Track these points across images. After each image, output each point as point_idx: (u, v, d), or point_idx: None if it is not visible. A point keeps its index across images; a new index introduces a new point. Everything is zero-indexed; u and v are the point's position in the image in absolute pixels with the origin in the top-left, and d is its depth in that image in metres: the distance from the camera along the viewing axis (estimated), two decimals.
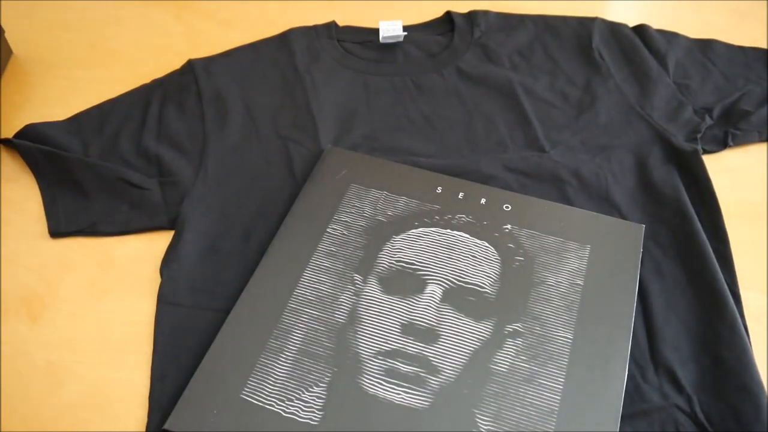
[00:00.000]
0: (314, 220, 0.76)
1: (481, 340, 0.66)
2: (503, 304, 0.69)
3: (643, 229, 0.75)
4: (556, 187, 0.81)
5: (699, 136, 0.84)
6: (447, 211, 0.76)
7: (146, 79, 0.93)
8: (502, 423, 0.61)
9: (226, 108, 0.88)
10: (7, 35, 0.98)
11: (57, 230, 0.80)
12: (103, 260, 0.78)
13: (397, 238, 0.74)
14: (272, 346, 0.66)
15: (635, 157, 0.83)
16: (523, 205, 0.77)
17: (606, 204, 0.79)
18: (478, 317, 0.68)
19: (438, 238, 0.74)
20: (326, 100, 0.89)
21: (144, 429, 0.65)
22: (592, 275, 0.71)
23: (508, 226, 0.75)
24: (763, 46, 0.96)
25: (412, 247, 0.73)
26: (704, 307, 0.70)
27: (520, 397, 0.63)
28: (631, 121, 0.86)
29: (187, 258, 0.75)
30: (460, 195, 0.78)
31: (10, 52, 0.99)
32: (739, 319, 0.69)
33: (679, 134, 0.84)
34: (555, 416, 0.61)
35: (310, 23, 0.98)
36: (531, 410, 0.62)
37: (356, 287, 0.70)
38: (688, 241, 0.75)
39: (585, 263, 0.72)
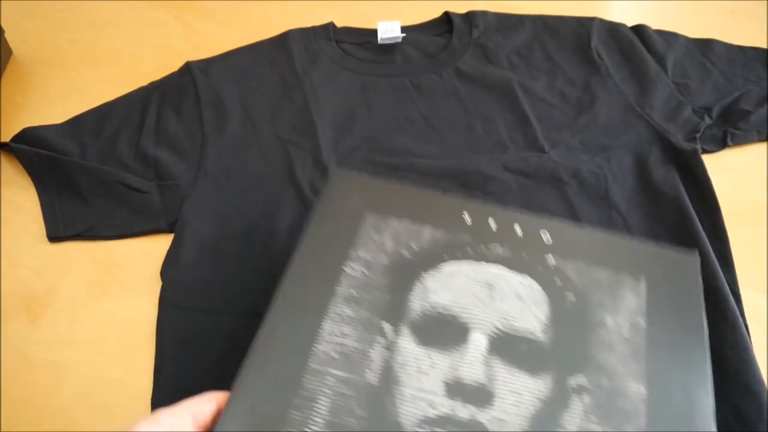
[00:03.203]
0: (328, 257, 0.64)
1: (542, 398, 0.56)
2: (561, 353, 0.59)
3: (698, 257, 0.65)
4: (556, 187, 0.81)
5: (698, 135, 0.84)
6: (479, 241, 0.66)
7: (146, 80, 0.92)
8: None
9: (225, 110, 0.88)
10: (7, 35, 0.98)
11: (55, 234, 0.80)
12: (103, 260, 0.79)
13: (427, 275, 0.63)
14: (294, 419, 0.54)
15: (635, 157, 0.83)
16: (563, 233, 0.67)
17: (605, 204, 0.79)
18: (534, 370, 0.57)
19: (473, 274, 0.63)
20: (325, 101, 0.89)
21: None
22: (654, 314, 0.61)
23: (551, 258, 0.65)
24: (763, 46, 0.96)
25: (445, 286, 0.62)
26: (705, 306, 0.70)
27: None
28: (631, 121, 0.86)
29: (187, 260, 0.76)
30: (491, 222, 0.67)
31: (10, 52, 0.99)
32: (740, 318, 0.69)
33: (678, 134, 0.84)
34: None
35: (309, 24, 0.98)
36: None
37: (387, 339, 0.59)
38: (687, 241, 0.75)
39: (644, 300, 0.62)
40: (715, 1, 1.06)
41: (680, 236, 0.76)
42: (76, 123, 0.88)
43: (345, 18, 0.99)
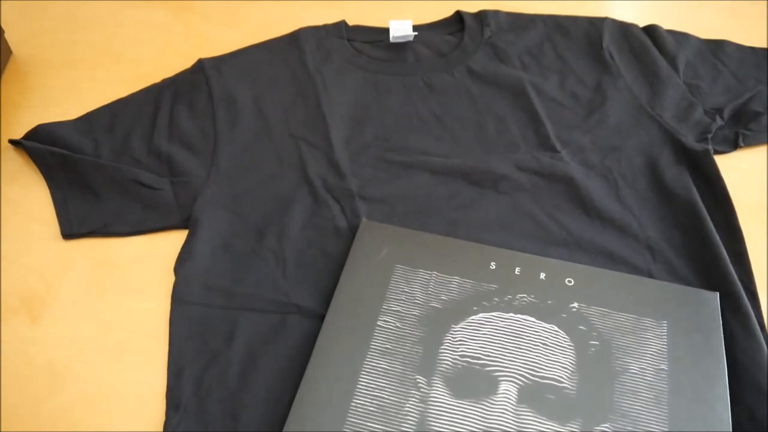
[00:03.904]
0: (361, 312, 0.68)
1: None
2: (587, 401, 0.62)
3: (718, 296, 0.69)
4: (567, 187, 0.80)
5: (710, 136, 0.83)
6: (506, 290, 0.69)
7: (146, 80, 0.92)
8: None
9: (237, 107, 0.87)
10: (7, 35, 0.98)
11: (69, 232, 0.79)
12: (103, 260, 0.78)
13: (457, 327, 0.67)
14: None
15: (646, 158, 0.83)
16: (586, 278, 0.70)
17: (619, 205, 0.79)
18: (562, 419, 0.61)
19: (502, 324, 0.67)
20: (337, 99, 0.89)
21: (143, 428, 0.66)
22: (674, 357, 0.64)
23: (575, 305, 0.68)
24: (763, 46, 0.96)
25: (475, 338, 0.66)
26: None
27: None
28: (642, 122, 0.86)
29: (200, 257, 0.75)
30: (517, 270, 0.71)
31: (10, 52, 0.98)
32: (754, 319, 0.69)
33: (689, 135, 0.84)
34: None
35: (311, 23, 0.98)
36: None
37: (421, 392, 0.63)
38: (700, 242, 0.75)
39: (665, 343, 0.65)
40: (715, 1, 1.06)
41: (692, 237, 0.76)
42: (89, 119, 0.88)
43: (347, 17, 0.99)
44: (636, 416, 0.60)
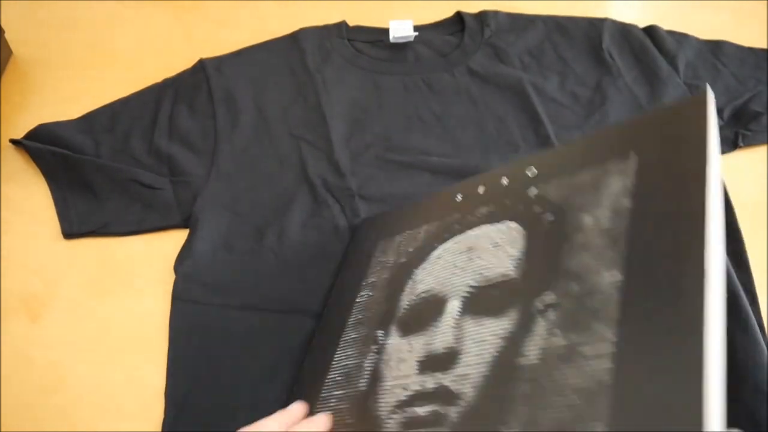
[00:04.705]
0: (347, 296, 0.69)
1: (505, 336, 0.50)
2: (529, 280, 0.52)
3: (711, 94, 0.51)
4: None
5: None
6: (466, 213, 0.63)
7: (146, 80, 0.92)
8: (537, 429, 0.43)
9: (238, 107, 0.87)
10: (7, 35, 0.97)
11: (70, 231, 0.80)
12: (103, 260, 0.78)
13: (418, 270, 0.64)
14: None
15: None
16: (551, 158, 0.60)
17: None
18: (499, 311, 0.52)
19: (455, 247, 0.62)
20: (337, 99, 0.89)
21: (143, 428, 0.67)
22: (643, 188, 0.50)
23: (533, 190, 0.58)
24: (763, 46, 0.96)
25: (431, 272, 0.62)
26: None
27: (558, 388, 0.44)
28: None
29: (200, 256, 0.76)
30: (480, 190, 0.64)
31: (10, 52, 0.98)
32: (754, 320, 0.68)
33: None
34: (608, 399, 0.41)
35: (311, 23, 0.98)
36: (575, 398, 0.42)
37: (378, 345, 0.61)
38: None
39: (631, 178, 0.51)
40: (716, 1, 1.06)
41: None
42: (89, 119, 0.88)
43: (348, 17, 0.99)
44: (584, 271, 0.49)
